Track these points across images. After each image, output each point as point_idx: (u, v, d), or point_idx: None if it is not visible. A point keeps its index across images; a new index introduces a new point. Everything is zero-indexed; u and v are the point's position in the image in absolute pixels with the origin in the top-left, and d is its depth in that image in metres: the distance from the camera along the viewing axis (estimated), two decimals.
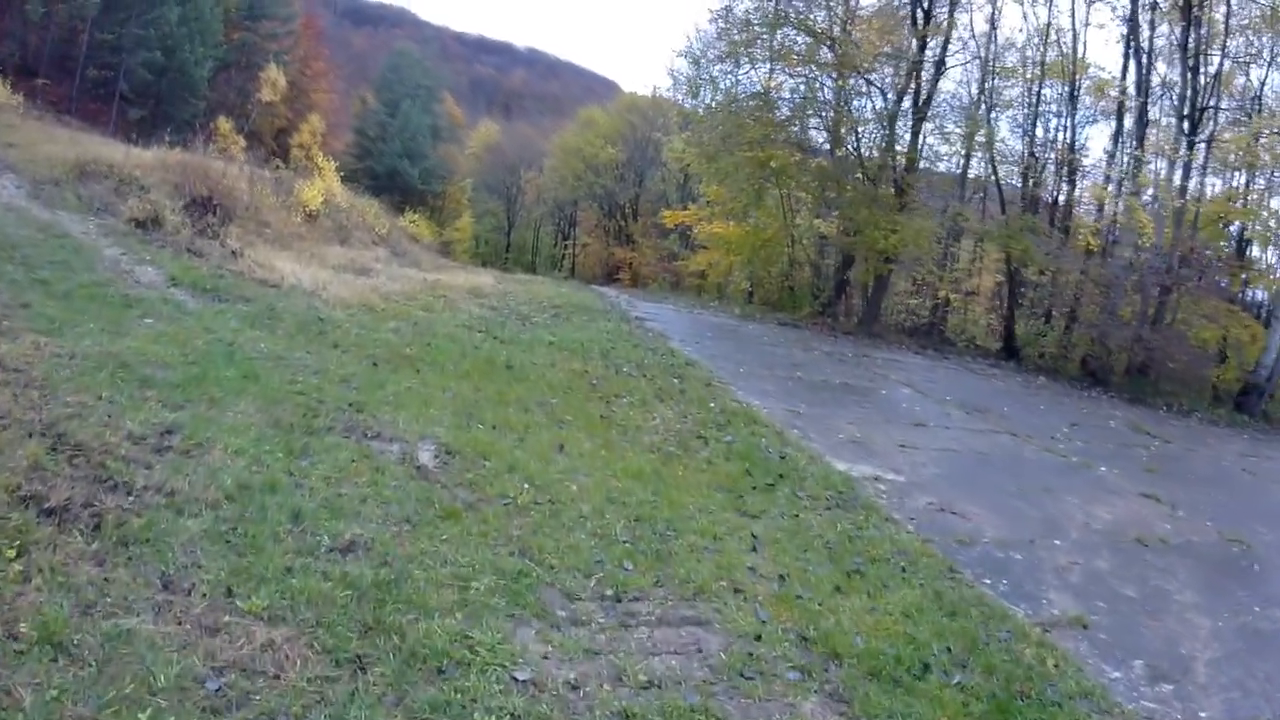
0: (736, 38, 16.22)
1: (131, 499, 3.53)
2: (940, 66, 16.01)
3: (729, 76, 17.16)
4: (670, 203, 32.08)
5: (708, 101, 17.52)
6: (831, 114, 16.31)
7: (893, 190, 15.93)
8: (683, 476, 5.44)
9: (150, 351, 5.94)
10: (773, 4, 15.82)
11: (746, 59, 16.54)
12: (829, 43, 15.56)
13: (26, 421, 3.92)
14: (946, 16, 15.88)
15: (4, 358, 4.95)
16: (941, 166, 17.40)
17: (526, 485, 4.71)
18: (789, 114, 16.68)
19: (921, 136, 16.21)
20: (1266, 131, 14.39)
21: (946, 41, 16.06)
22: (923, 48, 15.76)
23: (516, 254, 45.15)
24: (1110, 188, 15.52)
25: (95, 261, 8.73)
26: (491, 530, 4.03)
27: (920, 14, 15.71)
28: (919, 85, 15.96)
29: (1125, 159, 15.47)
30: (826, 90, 16.35)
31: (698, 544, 4.32)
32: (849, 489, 5.64)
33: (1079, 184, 16.77)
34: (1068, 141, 16.61)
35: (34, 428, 3.89)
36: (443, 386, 6.79)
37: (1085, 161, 16.71)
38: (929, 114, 16.16)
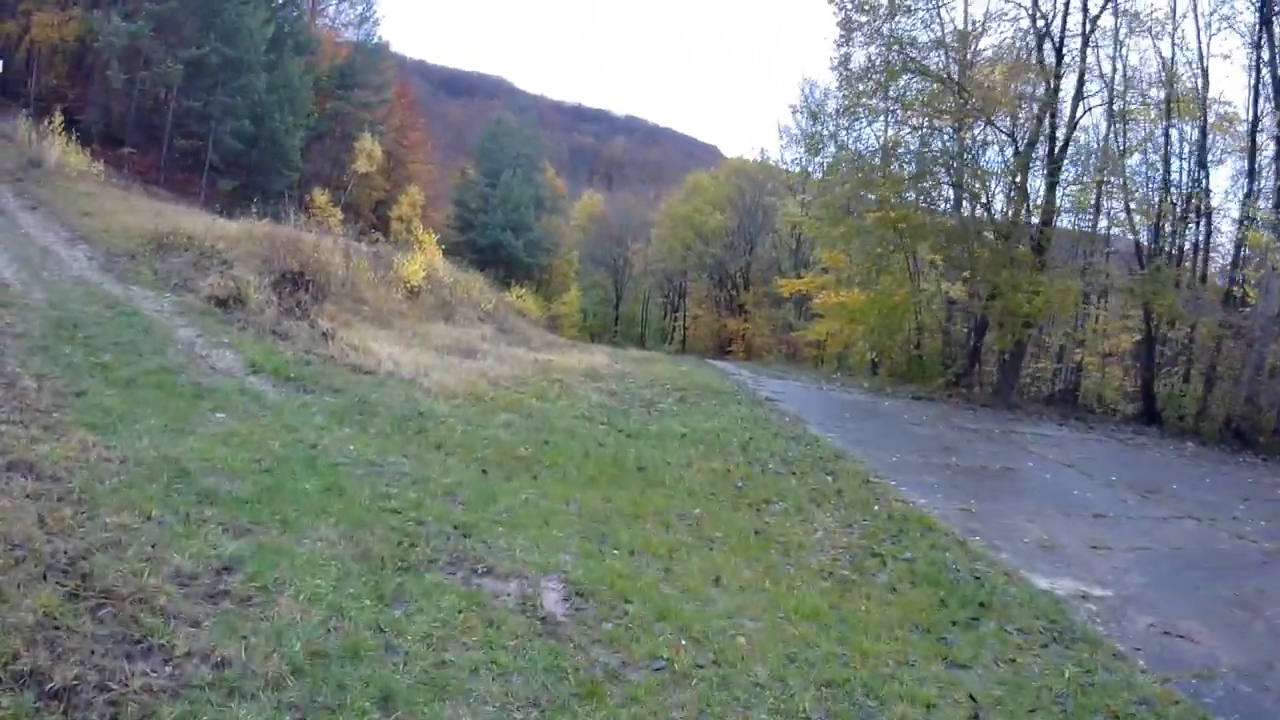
0: (860, 87, 19.68)
1: (168, 671, 3.42)
2: (1076, 108, 18.44)
3: (848, 131, 21.14)
4: (783, 270, 38.30)
5: (830, 158, 21.37)
6: (957, 167, 19.38)
7: (1030, 248, 18.43)
8: (867, 613, 5.72)
9: (216, 456, 6.30)
10: (895, 51, 18.96)
11: (866, 111, 20.23)
12: (953, 88, 18.54)
13: (47, 554, 4.08)
14: (1079, 54, 18.37)
15: (40, 462, 5.40)
16: (1067, 221, 20.55)
17: (683, 639, 4.83)
18: (917, 169, 19.75)
19: (1059, 188, 18.70)
20: None
21: (1081, 81, 18.58)
22: (1056, 89, 18.30)
23: (625, 327, 54.51)
24: (1265, 232, 17.51)
25: (167, 343, 9.88)
26: (646, 714, 4.02)
27: (1052, 52, 18.45)
28: (1053, 131, 18.51)
29: (1263, 197, 18.28)
30: (949, 141, 19.56)
31: (909, 717, 4.41)
32: (1060, 616, 6.08)
33: (1210, 227, 19.82)
34: (1197, 182, 19.61)
35: (55, 562, 4.03)
36: (566, 497, 7.13)
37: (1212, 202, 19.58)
38: (1063, 162, 18.64)
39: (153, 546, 4.55)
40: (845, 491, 8.78)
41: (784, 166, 40.62)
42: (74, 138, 25.96)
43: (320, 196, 39.37)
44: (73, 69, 37.53)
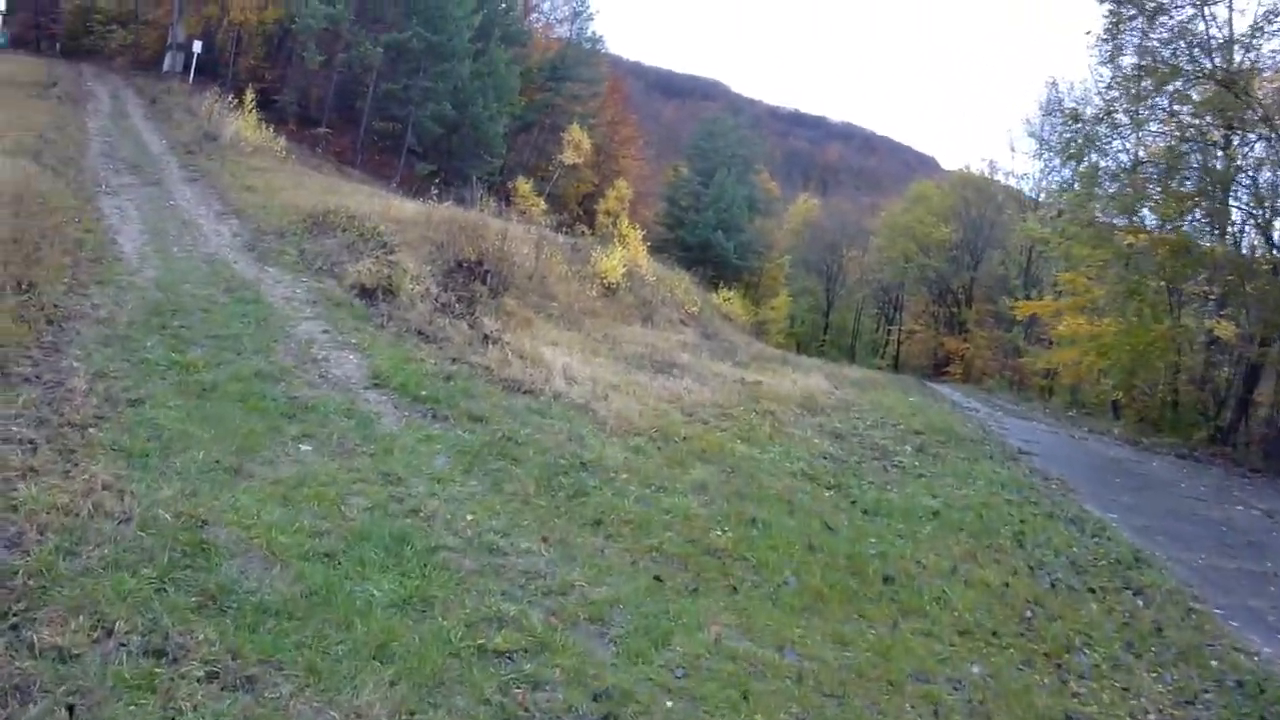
0: (1133, 89, 19.57)
1: None
2: None
3: (1108, 139, 20.98)
4: (1011, 289, 40.23)
5: (1085, 168, 21.40)
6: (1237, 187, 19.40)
7: None
8: None
9: (264, 520, 4.93)
10: (1174, 48, 18.72)
11: (1133, 116, 20.01)
12: (1240, 94, 17.67)
13: None
14: None
15: (7, 515, 4.22)
16: None
17: None
18: (1196, 186, 19.60)
19: None
20: None
21: None
22: None
23: (834, 337, 58.91)
24: None
25: (278, 340, 8.96)
26: None
27: None
28: None
29: None
30: (1217, 159, 19.31)
31: None
32: None
33: None
34: None
35: None
36: (778, 636, 5.29)
37: None
38: None
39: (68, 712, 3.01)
40: (1165, 629, 7.00)
41: (1014, 179, 44.18)
42: (266, 116, 27.90)
43: (524, 185, 41.90)
44: (272, 51, 41.51)
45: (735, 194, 54.68)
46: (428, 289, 13.73)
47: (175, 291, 9.79)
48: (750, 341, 31.91)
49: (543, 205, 40.04)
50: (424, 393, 8.46)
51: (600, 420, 9.40)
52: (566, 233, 28.68)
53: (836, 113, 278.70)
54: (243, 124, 25.34)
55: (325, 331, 9.80)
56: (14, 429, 5.56)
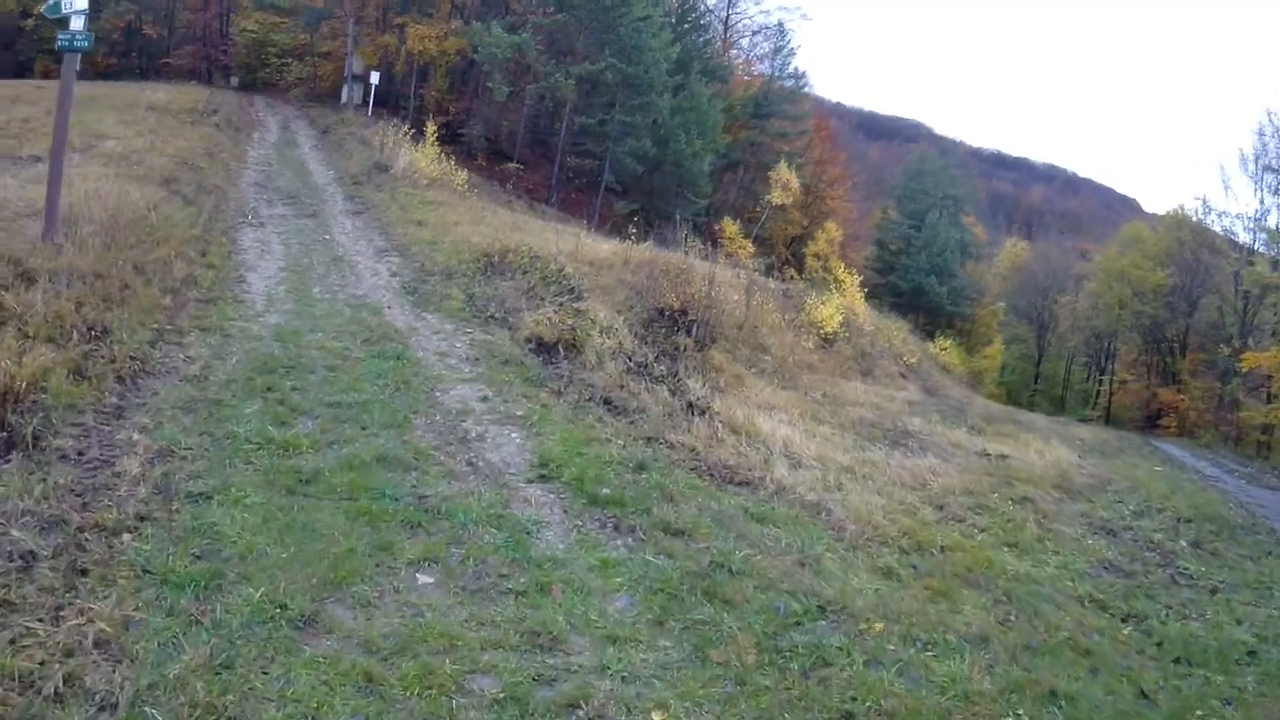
0: None
1: None
2: None
3: None
4: (1228, 336, 41.98)
5: None
6: None
7: None
8: None
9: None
10: None
11: None
12: None
13: None
14: None
15: None
16: None
17: None
18: None
19: None
20: None
21: None
22: None
23: (1045, 387, 62.80)
24: None
25: (421, 409, 7.84)
26: None
27: None
28: None
29: None
30: None
31: None
32: None
33: None
34: None
35: None
36: None
37: None
38: None
39: None
40: None
41: (1228, 219, 45.50)
42: (454, 150, 28.89)
43: (730, 226, 43.55)
44: (456, 82, 44.11)
45: (948, 237, 58.09)
46: (620, 344, 12.46)
47: (298, 342, 8.97)
48: (970, 396, 32.21)
49: (751, 248, 42.29)
50: (605, 491, 6.94)
51: (836, 525, 7.83)
52: (776, 277, 29.16)
53: (1038, 153, 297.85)
54: (419, 155, 25.56)
55: (484, 399, 8.56)
56: (14, 533, 4.43)
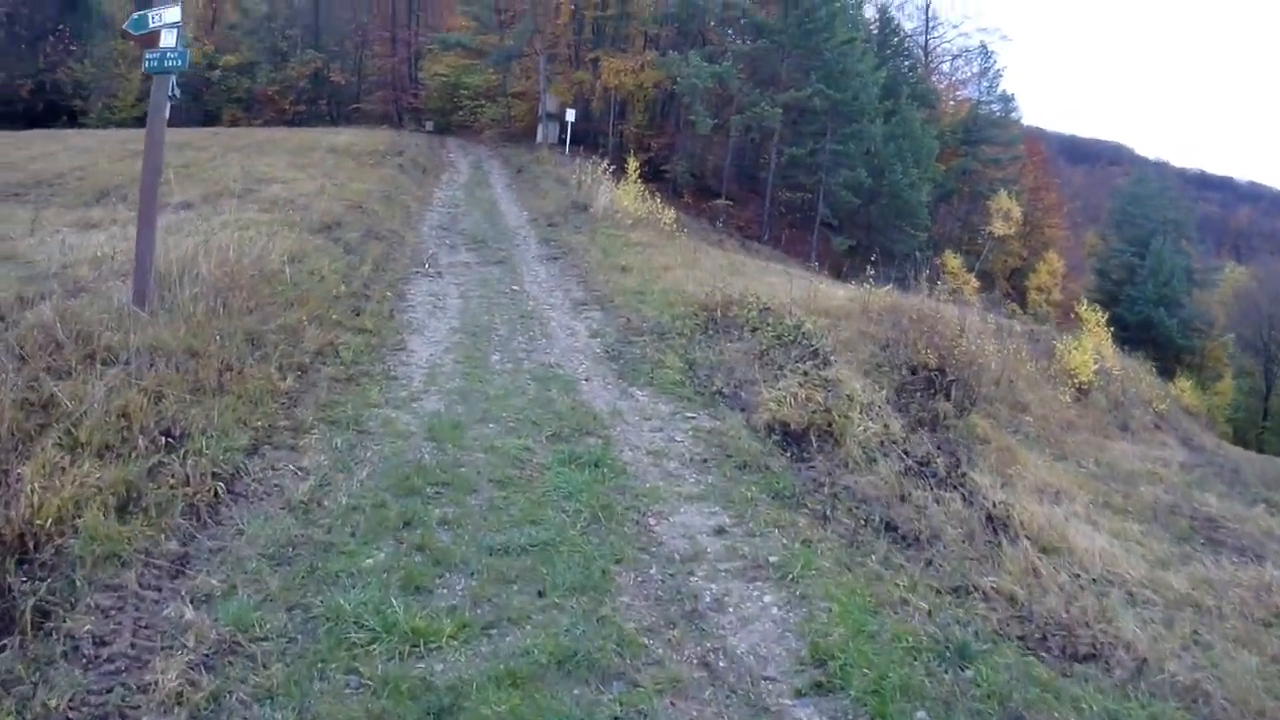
0: None
1: None
2: None
3: None
4: None
5: None
6: None
7: None
8: None
9: None
10: None
11: None
12: None
13: None
14: None
15: None
16: None
17: None
18: None
19: None
20: None
21: None
22: None
23: (1275, 423, 60.84)
24: None
25: (627, 553, 5.74)
26: None
27: None
28: None
29: None
30: None
31: None
32: None
33: None
34: None
35: None
36: None
37: None
38: None
39: None
40: None
41: None
42: (657, 188, 28.31)
43: (952, 260, 44.13)
44: (656, 117, 44.57)
45: (1173, 264, 57.29)
46: (886, 427, 9.99)
47: (460, 441, 7.08)
48: (1219, 444, 30.26)
49: (975, 283, 43.02)
50: (911, 706, 4.51)
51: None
52: (1007, 315, 29.26)
53: (1242, 172, 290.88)
54: (621, 192, 24.28)
55: (719, 530, 6.29)
56: None
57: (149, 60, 8.15)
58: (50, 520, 4.69)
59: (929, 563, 6.86)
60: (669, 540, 5.99)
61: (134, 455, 5.45)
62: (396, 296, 11.84)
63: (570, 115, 35.85)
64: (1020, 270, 54.69)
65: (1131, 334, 51.43)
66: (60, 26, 49.57)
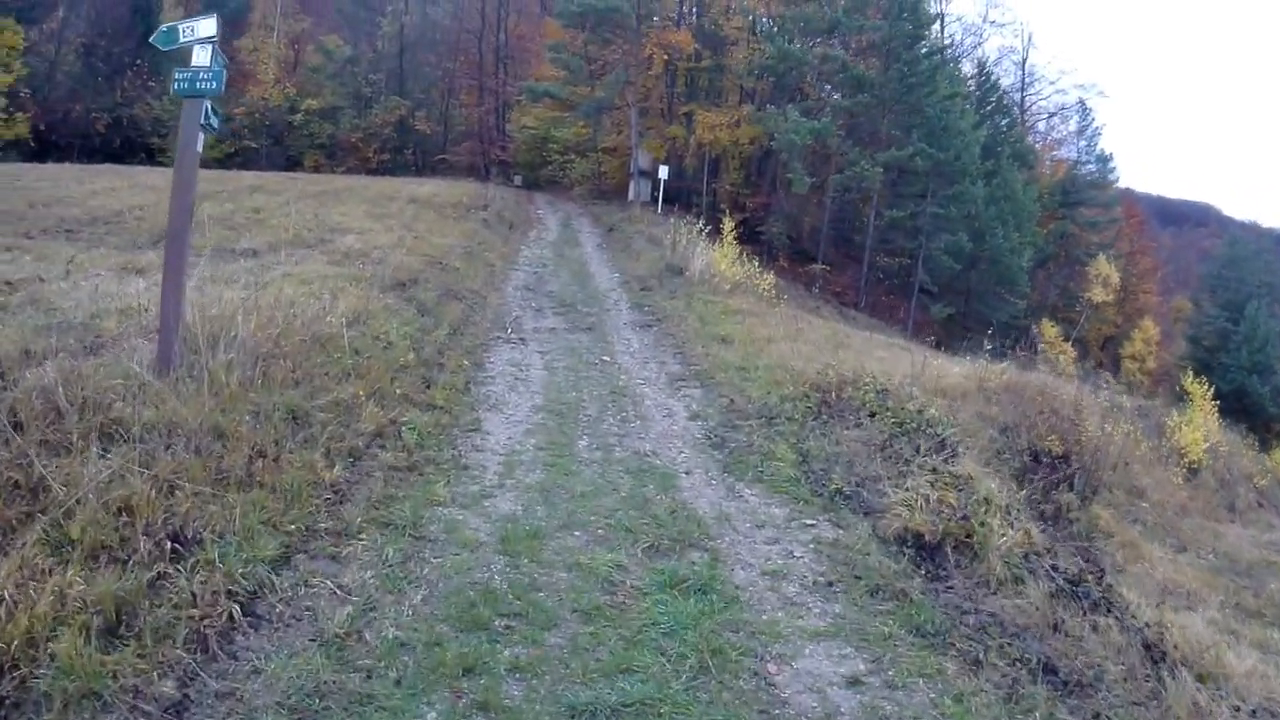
0: None
1: None
2: None
3: None
4: None
5: None
6: None
7: None
8: None
9: None
10: None
11: None
12: None
13: None
14: None
15: None
16: None
17: None
18: None
19: None
20: None
21: None
22: None
23: None
24: None
25: (738, 710, 4.77)
26: None
27: None
28: None
29: None
30: None
31: None
32: None
33: None
34: None
35: None
36: None
37: None
38: None
39: None
40: None
41: None
42: (752, 250, 27.98)
43: (1049, 328, 44.32)
44: (752, 175, 44.67)
45: (1268, 329, 57.02)
46: (1028, 535, 8.83)
47: (538, 555, 6.09)
48: None
49: (1071, 352, 42.70)
50: None
51: None
52: (1107, 387, 28.38)
53: None
54: (718, 255, 23.54)
55: (854, 682, 5.22)
56: None
57: (178, 81, 7.37)
58: (18, 642, 3.84)
59: (1097, 716, 5.75)
60: (794, 697, 4.93)
61: (133, 562, 4.59)
62: (474, 366, 11.08)
63: (663, 172, 35.61)
64: (1114, 338, 55.28)
65: (1225, 404, 50.90)
66: (138, 61, 50.62)
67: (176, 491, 5.30)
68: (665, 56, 41.42)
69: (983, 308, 42.51)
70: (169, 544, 4.86)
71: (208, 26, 7.36)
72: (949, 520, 8.09)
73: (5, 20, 46.48)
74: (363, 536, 5.82)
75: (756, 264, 25.92)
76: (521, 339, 13.29)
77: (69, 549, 4.62)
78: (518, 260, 21.28)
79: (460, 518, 6.46)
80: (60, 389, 6.04)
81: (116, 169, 33.55)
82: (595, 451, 8.59)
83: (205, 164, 42.12)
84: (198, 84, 7.32)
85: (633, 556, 6.29)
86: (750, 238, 34.04)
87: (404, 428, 7.99)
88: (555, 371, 11.63)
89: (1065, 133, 61.74)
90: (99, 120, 49.25)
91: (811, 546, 7.20)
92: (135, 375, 6.63)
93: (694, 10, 46.66)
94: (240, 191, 25.55)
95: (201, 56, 7.32)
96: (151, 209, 20.73)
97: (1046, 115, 62.25)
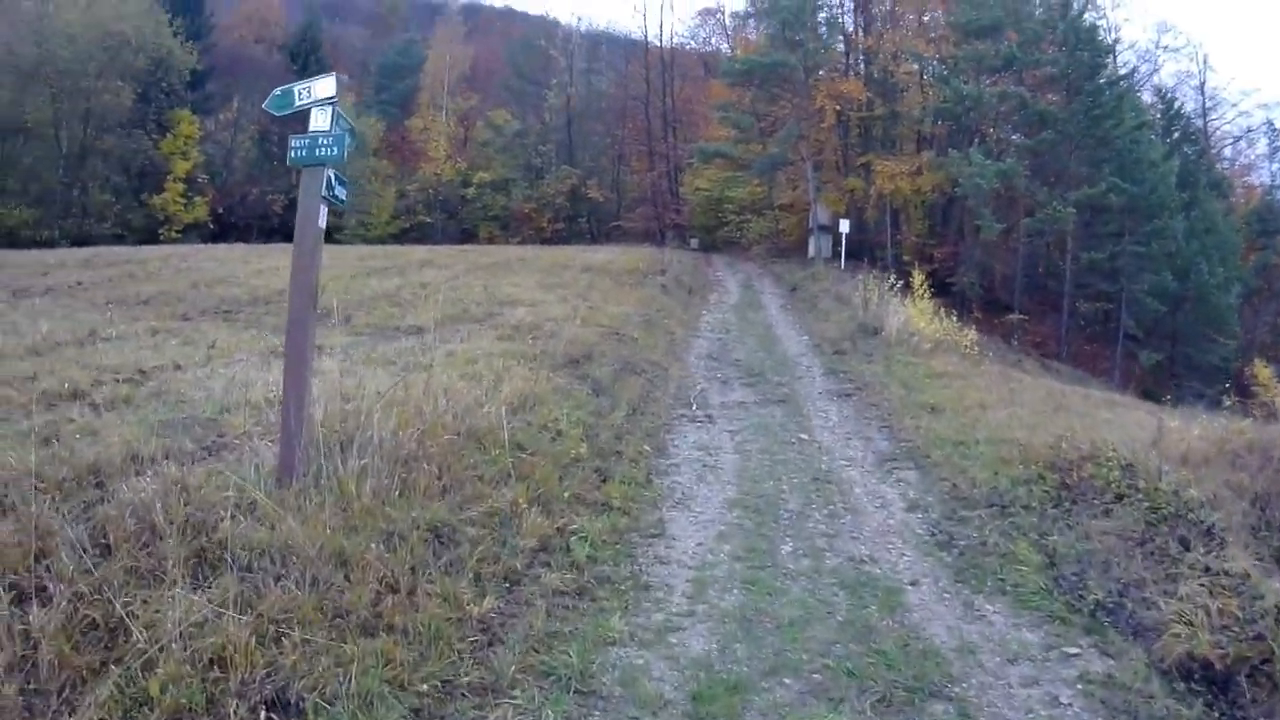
0: None
1: None
2: None
3: None
4: None
5: None
6: None
7: None
8: None
9: None
10: None
11: None
12: None
13: None
14: None
15: None
16: None
17: None
18: None
19: None
20: None
21: None
22: None
23: None
24: None
25: None
26: None
27: None
28: None
29: None
30: None
31: None
32: None
33: None
34: None
35: None
36: None
37: None
38: None
39: None
40: None
41: None
42: (943, 302, 26.92)
43: (1263, 370, 41.03)
44: (937, 224, 43.92)
45: None
46: None
47: (734, 714, 4.79)
48: None
49: None
50: None
51: None
52: None
53: None
54: (914, 311, 21.97)
55: None
56: None
57: (294, 149, 6.50)
58: None
59: None
60: None
61: None
62: (656, 451, 9.92)
63: (844, 226, 34.89)
64: None
65: None
66: None
67: (283, 639, 4.27)
68: (837, 107, 40.63)
69: (1191, 351, 40.58)
70: (264, 712, 3.82)
71: (326, 87, 6.55)
72: (1238, 640, 6.47)
73: (182, 113, 49.72)
74: (516, 694, 4.62)
75: (954, 318, 24.41)
76: (708, 416, 12.15)
77: (146, 710, 3.74)
78: (699, 326, 20.49)
79: (640, 662, 5.21)
80: (158, 504, 5.16)
81: (285, 248, 34.21)
82: (802, 559, 7.26)
83: (379, 239, 43.33)
84: (317, 151, 6.46)
85: (860, 714, 4.94)
86: (940, 290, 32.52)
87: (573, 538, 6.80)
88: (748, 454, 10.39)
89: (1253, 157, 59.67)
90: (275, 201, 51.79)
91: (1080, 688, 5.71)
92: (250, 486, 5.68)
93: (861, 59, 45.95)
94: (409, 266, 25.50)
95: (321, 120, 6.48)
96: None
97: (1232, 140, 59.73)
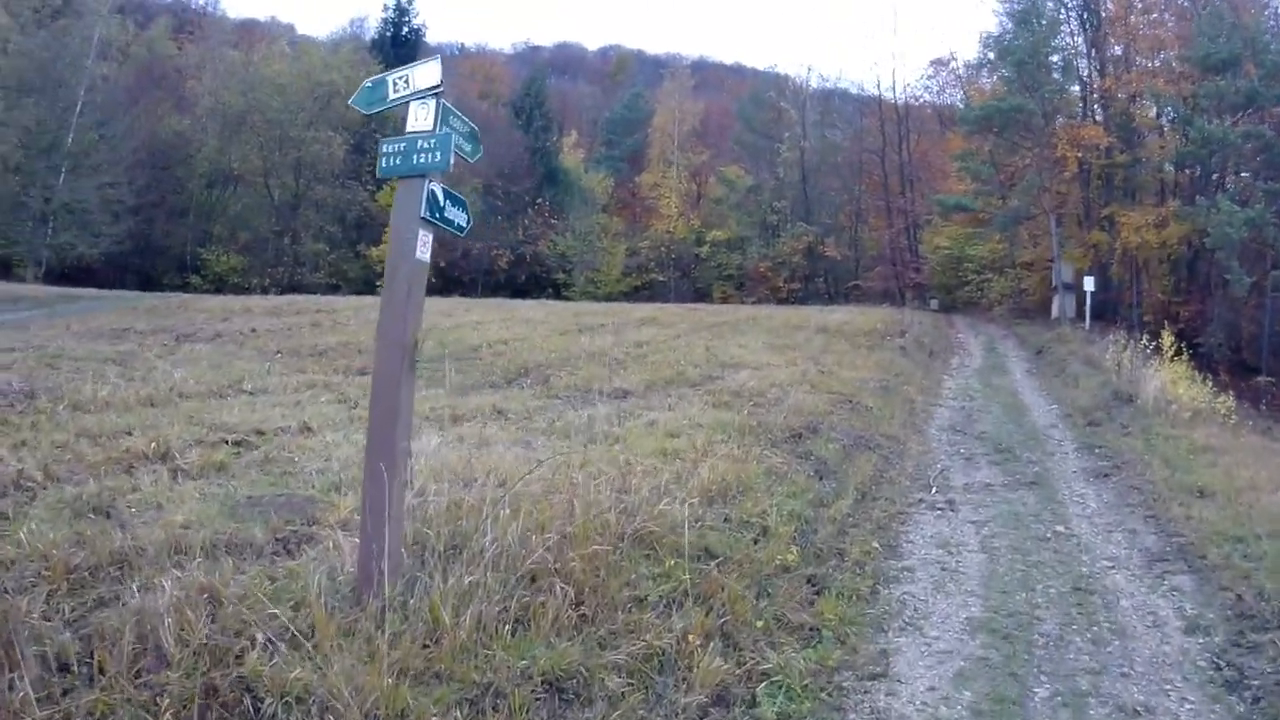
0: None
1: None
2: None
3: None
4: None
5: None
6: None
7: None
8: None
9: None
10: None
11: None
12: None
13: None
14: None
15: None
16: None
17: None
18: None
19: None
20: None
21: None
22: None
23: None
24: None
25: None
26: None
27: None
28: None
29: None
30: None
31: None
32: None
33: None
34: None
35: None
36: None
37: None
38: None
39: None
40: None
41: None
42: (1191, 364, 24.83)
43: None
44: (1183, 279, 41.81)
45: None
46: None
47: None
48: None
49: None
50: None
51: None
52: None
53: None
54: (1170, 376, 20.23)
55: None
56: None
57: (385, 156, 5.30)
58: None
59: None
60: None
61: None
62: (885, 550, 8.49)
63: (1089, 284, 33.66)
64: None
65: None
66: (539, 199, 53.17)
67: None
68: (1078, 155, 38.77)
69: None
70: None
71: (429, 74, 5.27)
72: None
73: None
74: None
75: (1209, 383, 22.11)
76: (949, 502, 10.72)
77: None
78: (940, 393, 19.32)
79: None
80: (167, 620, 4.17)
81: (490, 302, 34.38)
82: (1060, 709, 5.69)
83: (608, 297, 43.02)
84: (415, 157, 5.20)
85: None
86: (1187, 348, 30.07)
87: (763, 685, 5.22)
88: (995, 554, 8.87)
89: None
90: (500, 256, 52.40)
91: None
92: (314, 601, 4.56)
93: (1097, 102, 43.74)
94: (628, 324, 25.05)
95: (421, 118, 5.26)
96: (517, 344, 20.37)
97: None
